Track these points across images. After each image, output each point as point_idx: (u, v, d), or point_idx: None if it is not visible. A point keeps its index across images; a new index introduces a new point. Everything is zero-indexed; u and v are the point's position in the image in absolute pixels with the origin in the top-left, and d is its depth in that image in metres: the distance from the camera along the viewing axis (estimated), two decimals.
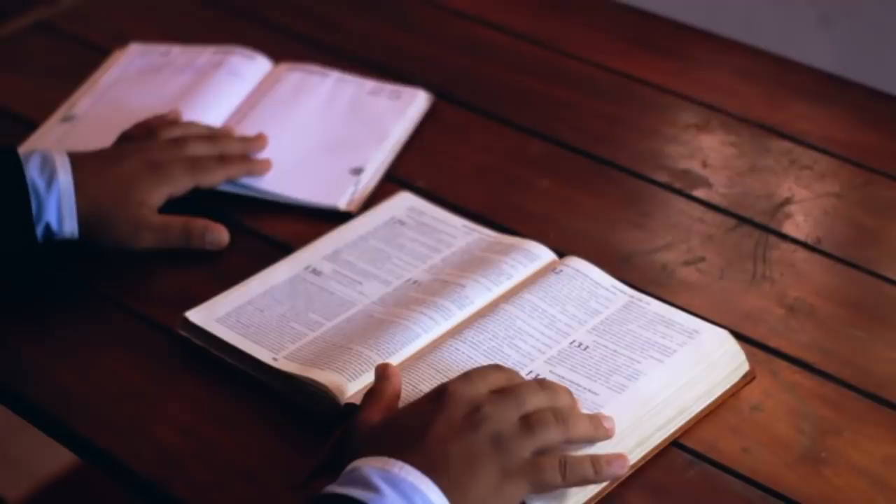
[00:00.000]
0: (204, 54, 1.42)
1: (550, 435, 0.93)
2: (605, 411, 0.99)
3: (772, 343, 1.09)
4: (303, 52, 1.44)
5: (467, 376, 0.96)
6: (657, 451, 0.99)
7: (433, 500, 0.87)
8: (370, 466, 0.88)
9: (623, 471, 0.96)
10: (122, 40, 1.46)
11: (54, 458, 1.98)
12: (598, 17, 1.53)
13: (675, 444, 1.00)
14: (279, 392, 1.04)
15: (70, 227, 1.13)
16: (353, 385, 1.01)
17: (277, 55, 1.43)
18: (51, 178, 1.12)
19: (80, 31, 1.51)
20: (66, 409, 1.05)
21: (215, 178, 1.22)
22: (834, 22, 2.10)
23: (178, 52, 1.43)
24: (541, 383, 0.97)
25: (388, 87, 1.38)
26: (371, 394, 0.98)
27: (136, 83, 1.39)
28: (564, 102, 1.39)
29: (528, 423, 0.93)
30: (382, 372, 0.99)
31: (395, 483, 0.87)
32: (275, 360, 1.05)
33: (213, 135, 1.25)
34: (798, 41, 1.81)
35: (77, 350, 1.10)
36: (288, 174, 1.26)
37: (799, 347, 1.08)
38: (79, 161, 1.15)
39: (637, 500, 0.96)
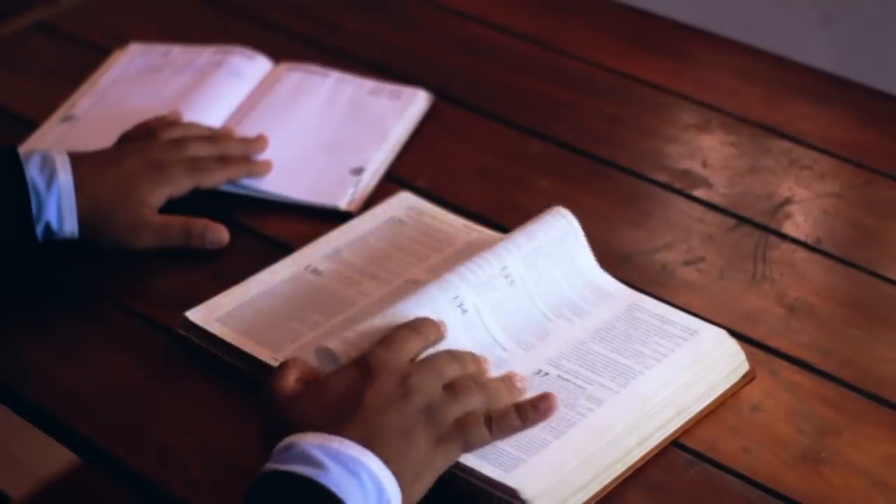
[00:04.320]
0: (204, 54, 1.42)
1: (473, 400, 0.96)
2: (603, 410, 0.99)
3: (772, 343, 1.09)
4: (303, 52, 1.44)
5: (389, 344, 0.97)
6: (657, 450, 0.99)
7: (375, 470, 0.89)
8: (308, 442, 0.89)
9: (551, 410, 0.98)
10: (122, 40, 1.46)
11: (54, 457, 1.98)
12: (598, 17, 1.53)
13: (675, 444, 1.00)
14: None
15: (70, 227, 1.13)
16: None
17: (277, 55, 1.43)
18: (51, 178, 1.12)
19: (80, 31, 1.51)
20: (66, 409, 1.05)
21: (216, 179, 1.22)
22: (834, 22, 2.10)
23: (178, 52, 1.43)
24: (451, 353, 0.99)
25: (388, 87, 1.38)
26: (283, 364, 0.98)
27: (136, 83, 1.39)
28: (564, 102, 1.39)
29: (453, 390, 0.96)
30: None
31: (336, 457, 0.88)
32: (275, 359, 1.05)
33: (213, 136, 1.26)
34: (798, 41, 1.81)
35: (77, 350, 1.10)
36: (288, 174, 1.26)
37: (799, 347, 1.08)
38: (79, 161, 1.15)
39: (637, 499, 0.96)
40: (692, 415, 1.02)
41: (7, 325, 1.12)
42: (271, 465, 0.89)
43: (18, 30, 1.51)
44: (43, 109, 1.35)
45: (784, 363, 1.07)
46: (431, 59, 1.45)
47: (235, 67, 1.39)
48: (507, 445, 0.96)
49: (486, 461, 0.95)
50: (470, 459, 0.95)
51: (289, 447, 0.90)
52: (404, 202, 1.22)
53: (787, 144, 1.32)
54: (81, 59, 1.44)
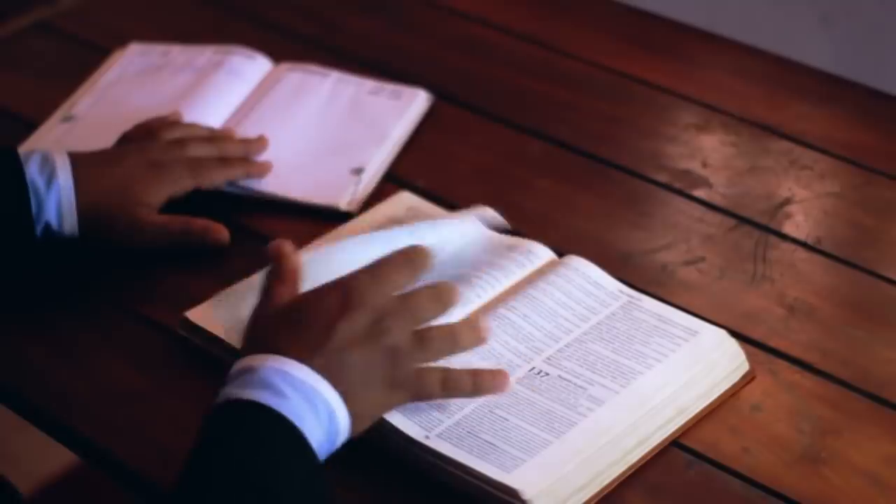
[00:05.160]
0: (204, 54, 1.42)
1: (439, 353, 0.97)
2: (603, 410, 0.99)
3: (772, 343, 1.09)
4: (303, 52, 1.44)
5: (376, 275, 0.97)
6: (657, 450, 0.99)
7: (332, 405, 0.91)
8: (269, 367, 0.90)
9: (505, 387, 0.99)
10: (122, 40, 1.46)
11: (54, 457, 1.98)
12: (598, 17, 1.53)
13: (675, 444, 1.00)
14: None
15: (70, 227, 1.13)
16: None
17: (277, 55, 1.43)
18: (50, 178, 1.13)
19: (80, 31, 1.51)
20: (66, 409, 1.05)
21: (216, 179, 1.22)
22: (834, 22, 2.10)
23: (178, 52, 1.43)
24: (435, 292, 0.98)
25: (388, 87, 1.38)
26: (273, 275, 0.99)
27: (135, 83, 1.39)
28: (564, 102, 1.39)
29: (422, 338, 0.96)
30: (279, 250, 1.01)
31: (297, 385, 0.90)
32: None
33: (213, 136, 1.26)
34: (798, 41, 1.81)
35: (77, 350, 1.10)
36: (288, 174, 1.26)
37: (799, 347, 1.08)
38: (79, 161, 1.15)
39: (637, 499, 0.96)
40: (692, 415, 1.02)
41: (7, 325, 1.12)
42: (232, 392, 0.90)
43: (18, 30, 1.51)
44: (43, 109, 1.35)
45: (784, 363, 1.07)
46: (431, 59, 1.45)
47: (235, 67, 1.39)
48: (508, 445, 0.96)
49: (486, 461, 0.95)
50: (470, 459, 0.95)
51: (249, 371, 0.91)
52: (405, 202, 1.22)
53: (787, 144, 1.32)
54: (81, 59, 1.44)
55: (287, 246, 1.01)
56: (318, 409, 0.90)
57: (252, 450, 0.88)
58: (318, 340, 0.93)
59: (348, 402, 0.92)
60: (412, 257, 0.99)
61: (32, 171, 1.13)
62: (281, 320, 0.96)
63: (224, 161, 1.23)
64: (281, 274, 1.00)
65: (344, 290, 0.96)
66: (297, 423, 0.89)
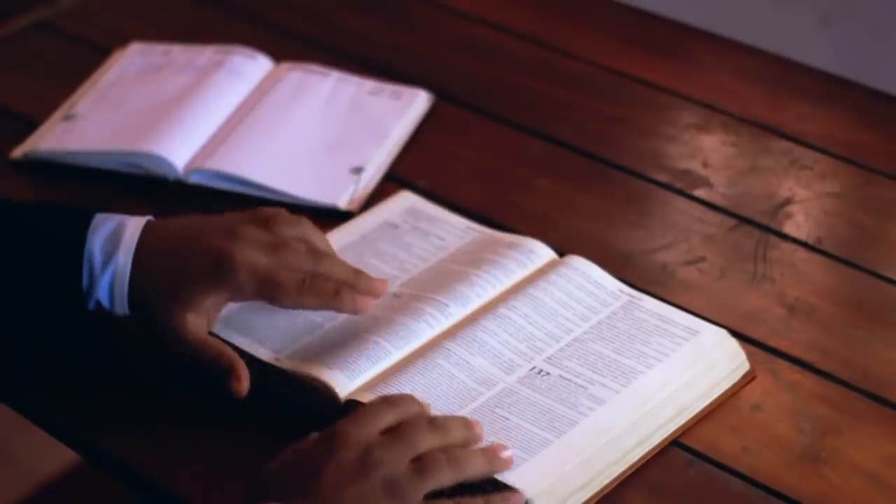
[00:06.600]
0: (205, 54, 1.42)
1: (443, 478, 0.91)
2: (604, 410, 0.99)
3: (772, 343, 1.09)
4: (303, 52, 1.44)
5: (359, 416, 0.93)
6: (657, 450, 0.99)
7: None
8: None
9: None
10: (122, 40, 1.46)
11: (54, 457, 1.98)
12: (598, 17, 1.53)
13: (675, 444, 1.00)
14: (279, 392, 1.04)
15: (122, 310, 1.05)
16: (353, 383, 1.01)
17: (278, 55, 1.43)
18: (110, 255, 1.03)
19: (80, 31, 1.51)
20: (66, 408, 1.05)
21: (289, 301, 1.04)
22: (834, 22, 2.10)
23: (178, 52, 1.43)
24: (432, 422, 0.94)
25: (389, 87, 1.38)
26: None
27: (136, 83, 1.39)
28: (564, 102, 1.39)
29: (421, 466, 0.90)
30: None
31: None
32: (277, 359, 1.05)
33: (322, 253, 1.06)
34: (798, 41, 1.81)
35: (77, 349, 1.10)
36: (288, 173, 1.26)
37: (799, 347, 1.08)
38: (147, 240, 1.04)
39: (637, 499, 0.96)
40: (693, 414, 1.02)
41: (7, 326, 1.12)
42: None
43: (18, 30, 1.51)
44: (43, 109, 1.35)
45: (784, 363, 1.07)
46: (431, 59, 1.46)
47: (236, 67, 1.39)
48: (509, 444, 0.96)
49: None
50: None
51: None
52: (405, 202, 1.22)
53: (787, 144, 1.32)
54: (81, 58, 1.44)
55: None
56: None
57: None
58: (308, 485, 0.88)
59: None
60: (397, 402, 0.95)
61: (95, 245, 1.03)
62: (274, 476, 0.91)
63: (317, 285, 1.04)
64: None
65: (327, 436, 0.91)
66: None
